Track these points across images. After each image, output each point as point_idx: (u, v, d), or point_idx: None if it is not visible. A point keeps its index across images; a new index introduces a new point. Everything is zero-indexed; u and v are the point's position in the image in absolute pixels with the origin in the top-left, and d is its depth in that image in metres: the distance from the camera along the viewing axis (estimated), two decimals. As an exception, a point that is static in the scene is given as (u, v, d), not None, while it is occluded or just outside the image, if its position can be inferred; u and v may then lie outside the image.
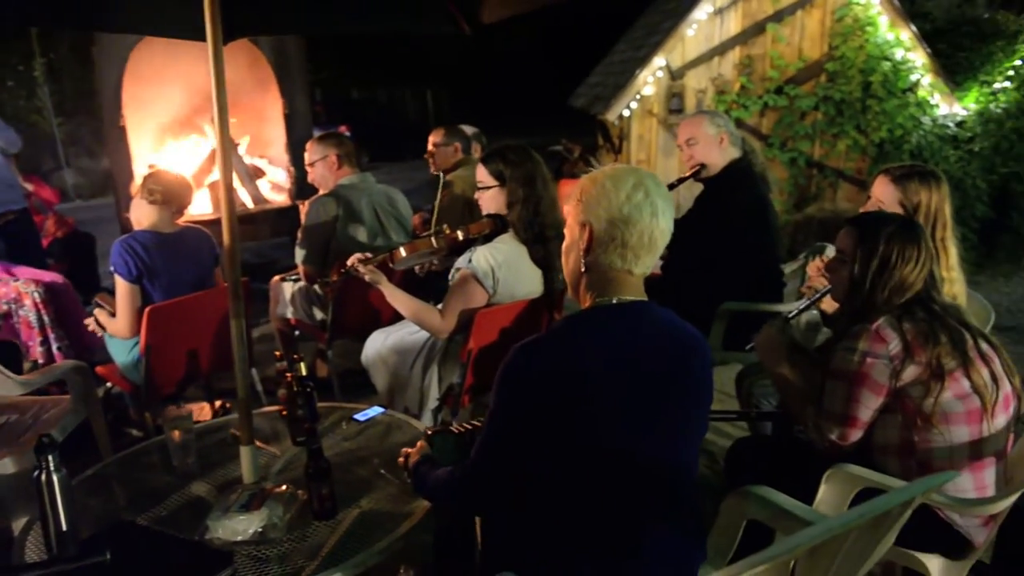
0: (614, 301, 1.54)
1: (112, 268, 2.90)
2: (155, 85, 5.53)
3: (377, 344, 2.95)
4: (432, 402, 2.77)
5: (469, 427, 1.93)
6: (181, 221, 3.14)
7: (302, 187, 5.50)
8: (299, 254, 3.51)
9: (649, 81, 6.48)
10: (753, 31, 6.46)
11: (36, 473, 1.71)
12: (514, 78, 16.06)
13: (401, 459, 1.87)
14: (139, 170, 5.32)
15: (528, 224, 2.67)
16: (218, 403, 3.46)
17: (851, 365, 1.88)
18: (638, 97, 6.51)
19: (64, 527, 1.72)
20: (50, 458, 1.71)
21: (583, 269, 1.57)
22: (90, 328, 3.11)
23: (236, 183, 5.67)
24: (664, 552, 1.52)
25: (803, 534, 0.99)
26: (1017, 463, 1.99)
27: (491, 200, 2.73)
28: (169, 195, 2.99)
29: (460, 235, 2.74)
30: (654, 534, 1.51)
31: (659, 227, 1.53)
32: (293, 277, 3.75)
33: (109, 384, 3.13)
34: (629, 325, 1.53)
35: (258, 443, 2.16)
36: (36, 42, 11.78)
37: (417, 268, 3.06)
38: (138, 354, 2.94)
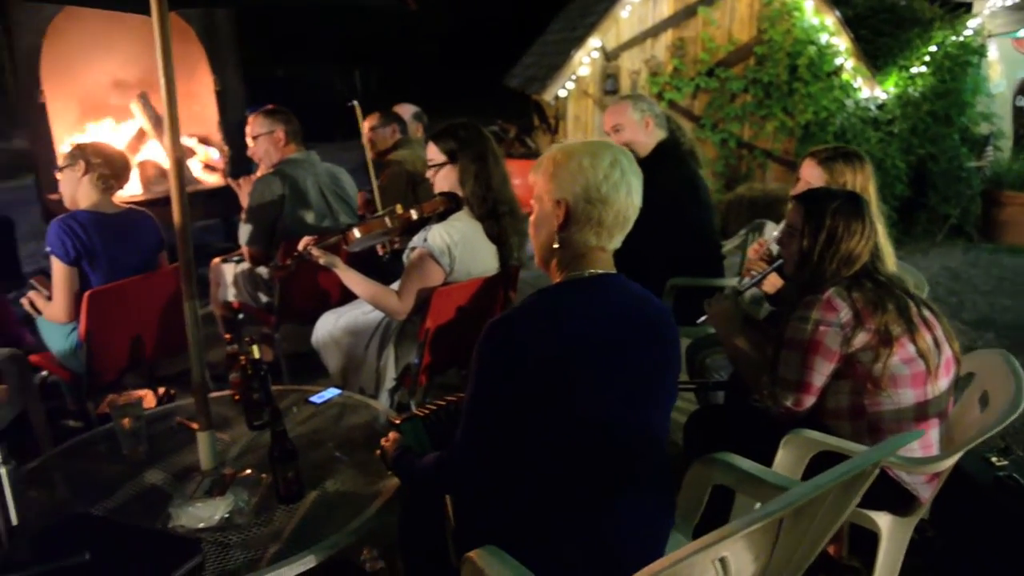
0: (586, 274, 1.56)
1: (48, 249, 2.75)
2: (76, 60, 5.24)
3: (328, 325, 2.90)
4: (389, 382, 2.75)
5: (433, 407, 1.92)
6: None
7: (237, 166, 5.34)
8: (243, 235, 3.39)
9: (584, 62, 6.52)
10: (685, 14, 6.57)
11: (-18, 467, 1.62)
12: (445, 57, 15.87)
13: (378, 452, 1.85)
14: (62, 150, 5.05)
15: (481, 200, 2.67)
16: (162, 390, 3.34)
17: (804, 334, 1.96)
18: (574, 78, 6.54)
19: (14, 522, 1.65)
20: (-5, 451, 1.63)
21: (556, 245, 1.57)
22: (25, 306, 2.94)
23: (165, 162, 5.46)
24: (637, 520, 1.56)
25: (794, 492, 1.04)
26: (956, 424, 2.12)
27: (444, 178, 2.72)
28: (114, 172, 2.84)
29: (414, 214, 2.71)
30: (628, 502, 1.54)
31: (633, 205, 1.56)
32: (235, 259, 3.64)
33: (45, 372, 2.98)
34: (602, 297, 1.55)
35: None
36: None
37: (380, 250, 3.02)
38: (76, 340, 2.81)
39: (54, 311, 2.81)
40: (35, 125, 5.10)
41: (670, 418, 1.65)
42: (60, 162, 2.90)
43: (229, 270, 3.62)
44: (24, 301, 2.94)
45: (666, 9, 6.56)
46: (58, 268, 2.75)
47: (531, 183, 1.63)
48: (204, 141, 5.78)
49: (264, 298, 3.52)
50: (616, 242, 1.59)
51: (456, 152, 2.68)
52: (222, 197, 5.14)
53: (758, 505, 1.90)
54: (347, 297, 3.04)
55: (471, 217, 2.68)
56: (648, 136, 3.26)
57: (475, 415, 1.52)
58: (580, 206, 1.52)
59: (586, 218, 1.53)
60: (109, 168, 2.82)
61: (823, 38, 6.47)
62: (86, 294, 2.71)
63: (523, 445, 1.50)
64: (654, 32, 6.58)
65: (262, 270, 3.49)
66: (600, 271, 1.57)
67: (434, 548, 1.83)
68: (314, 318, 3.02)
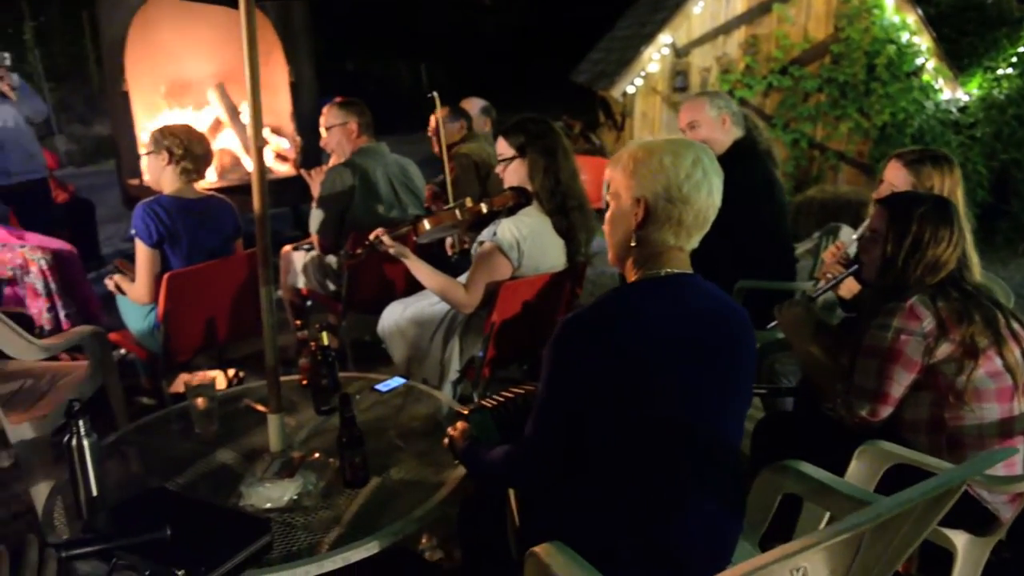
0: (663, 273, 1.54)
1: (133, 232, 2.85)
2: (158, 50, 5.41)
3: (395, 315, 2.94)
4: (453, 374, 2.76)
5: (500, 399, 1.92)
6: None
7: (308, 157, 5.45)
8: (314, 223, 3.46)
9: (654, 58, 6.44)
10: (759, 10, 6.44)
11: (67, 438, 1.69)
12: (513, 52, 15.86)
13: (445, 441, 1.86)
14: (143, 138, 5.23)
15: (551, 195, 2.66)
16: (231, 372, 3.43)
17: (885, 342, 1.89)
18: (643, 74, 6.47)
19: (95, 493, 1.72)
20: (80, 423, 1.70)
21: (633, 243, 1.55)
22: (110, 287, 3.06)
23: (240, 151, 5.60)
24: (706, 523, 1.53)
25: (881, 505, 1.00)
26: (1042, 442, 2.02)
27: (513, 173, 2.72)
28: (195, 163, 2.92)
29: (484, 208, 2.72)
30: (698, 504, 1.51)
31: (713, 205, 1.53)
32: (305, 246, 3.72)
33: (123, 351, 3.09)
34: (679, 297, 1.52)
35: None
36: (25, 4, 11.50)
37: (449, 250, 3.04)
38: (154, 320, 2.90)
39: (137, 292, 2.91)
40: (118, 112, 5.30)
41: (744, 421, 1.62)
42: (145, 147, 3.01)
43: (299, 258, 3.70)
44: (109, 283, 3.06)
45: (740, 6, 6.44)
46: (141, 250, 2.85)
47: (607, 179, 1.61)
48: (277, 131, 5.91)
49: (331, 286, 3.59)
50: (694, 242, 1.56)
51: (525, 146, 2.67)
52: (292, 186, 5.24)
53: (827, 516, 1.85)
54: (412, 288, 3.07)
55: (540, 212, 2.68)
56: (725, 134, 3.20)
57: (546, 412, 1.51)
58: (660, 205, 1.50)
59: (666, 217, 1.50)
60: (191, 159, 2.91)
61: (903, 37, 6.26)
62: (165, 276, 2.80)
63: (592, 443, 1.49)
64: (726, 29, 6.47)
65: (331, 259, 3.56)
66: (677, 271, 1.54)
67: (493, 540, 1.83)
68: (379, 307, 3.06)
